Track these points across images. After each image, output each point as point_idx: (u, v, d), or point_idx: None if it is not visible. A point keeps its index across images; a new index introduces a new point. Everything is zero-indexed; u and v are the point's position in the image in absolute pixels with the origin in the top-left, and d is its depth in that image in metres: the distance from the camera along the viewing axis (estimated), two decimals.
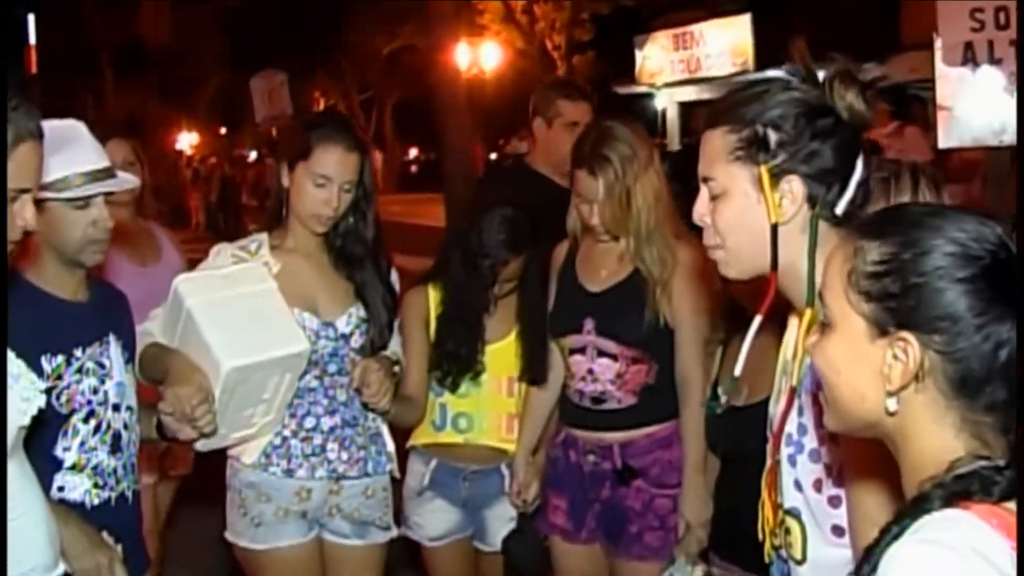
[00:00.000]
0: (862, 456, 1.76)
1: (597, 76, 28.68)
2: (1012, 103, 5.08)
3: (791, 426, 1.93)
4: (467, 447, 3.54)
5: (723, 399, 2.51)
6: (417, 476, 3.57)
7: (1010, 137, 5.14)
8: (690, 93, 23.37)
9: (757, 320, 1.98)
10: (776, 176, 1.86)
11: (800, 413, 1.91)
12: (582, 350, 3.28)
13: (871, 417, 1.42)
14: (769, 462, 1.98)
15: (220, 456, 3.21)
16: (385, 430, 3.35)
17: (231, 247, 3.25)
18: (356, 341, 3.24)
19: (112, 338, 2.72)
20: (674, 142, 21.51)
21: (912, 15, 18.98)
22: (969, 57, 5.12)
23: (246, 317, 2.95)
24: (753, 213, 1.89)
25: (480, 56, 25.06)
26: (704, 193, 1.97)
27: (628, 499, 3.26)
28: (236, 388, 2.90)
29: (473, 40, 24.06)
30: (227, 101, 29.63)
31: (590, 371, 3.26)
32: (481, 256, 3.39)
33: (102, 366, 2.67)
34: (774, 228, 1.87)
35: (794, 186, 1.86)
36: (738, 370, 2.04)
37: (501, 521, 3.57)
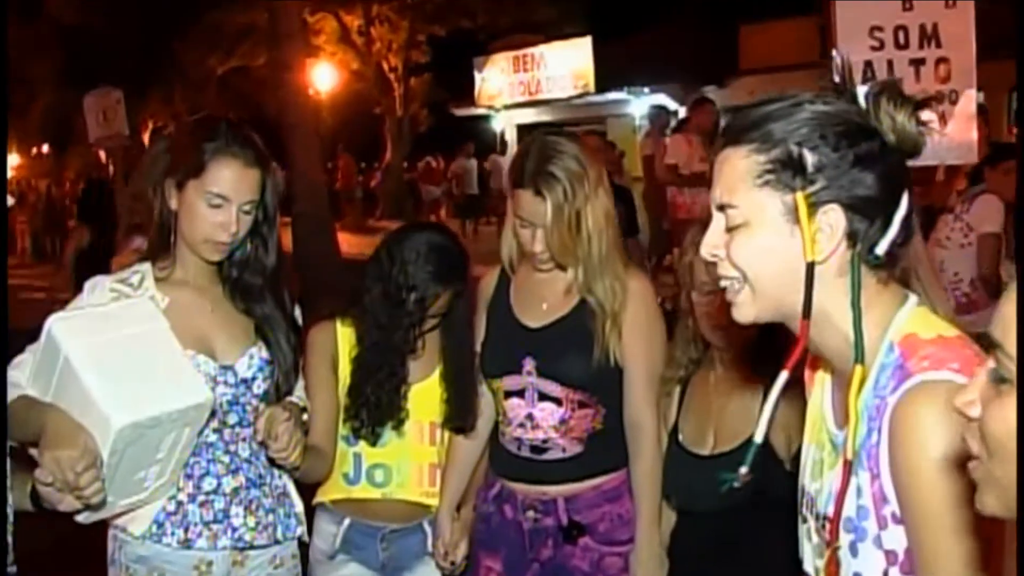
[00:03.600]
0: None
1: (434, 98, 28.59)
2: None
3: (850, 509, 1.61)
4: (384, 502, 3.11)
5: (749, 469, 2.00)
6: (327, 537, 3.13)
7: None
8: (530, 115, 23.46)
9: (782, 377, 1.64)
10: (813, 206, 1.57)
11: (859, 494, 1.59)
12: (520, 393, 2.92)
13: None
14: (828, 552, 1.65)
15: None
16: (292, 488, 2.92)
17: (108, 280, 2.77)
18: (259, 387, 2.81)
19: None
20: None
21: (749, 41, 19.45)
22: (869, 76, 4.98)
23: (136, 363, 2.50)
24: (784, 247, 1.59)
25: (315, 77, 24.53)
26: (719, 222, 1.65)
27: (574, 558, 2.90)
28: (127, 448, 2.44)
29: (309, 61, 23.63)
30: (59, 120, 28.33)
31: (530, 416, 2.90)
32: (407, 290, 2.97)
33: None
34: (810, 267, 1.57)
35: (833, 218, 1.57)
36: (759, 436, 1.69)
37: None
